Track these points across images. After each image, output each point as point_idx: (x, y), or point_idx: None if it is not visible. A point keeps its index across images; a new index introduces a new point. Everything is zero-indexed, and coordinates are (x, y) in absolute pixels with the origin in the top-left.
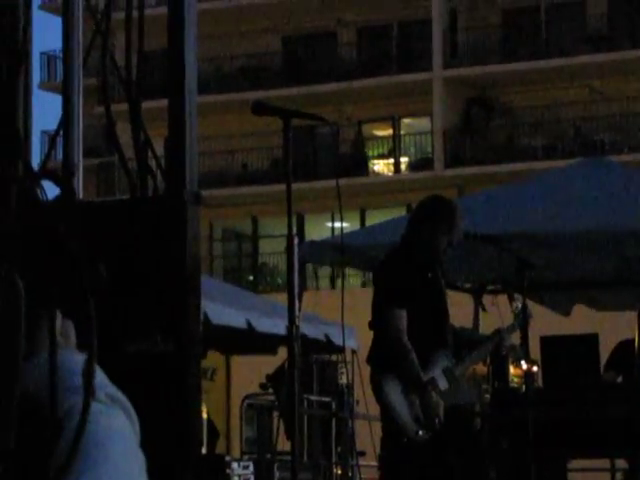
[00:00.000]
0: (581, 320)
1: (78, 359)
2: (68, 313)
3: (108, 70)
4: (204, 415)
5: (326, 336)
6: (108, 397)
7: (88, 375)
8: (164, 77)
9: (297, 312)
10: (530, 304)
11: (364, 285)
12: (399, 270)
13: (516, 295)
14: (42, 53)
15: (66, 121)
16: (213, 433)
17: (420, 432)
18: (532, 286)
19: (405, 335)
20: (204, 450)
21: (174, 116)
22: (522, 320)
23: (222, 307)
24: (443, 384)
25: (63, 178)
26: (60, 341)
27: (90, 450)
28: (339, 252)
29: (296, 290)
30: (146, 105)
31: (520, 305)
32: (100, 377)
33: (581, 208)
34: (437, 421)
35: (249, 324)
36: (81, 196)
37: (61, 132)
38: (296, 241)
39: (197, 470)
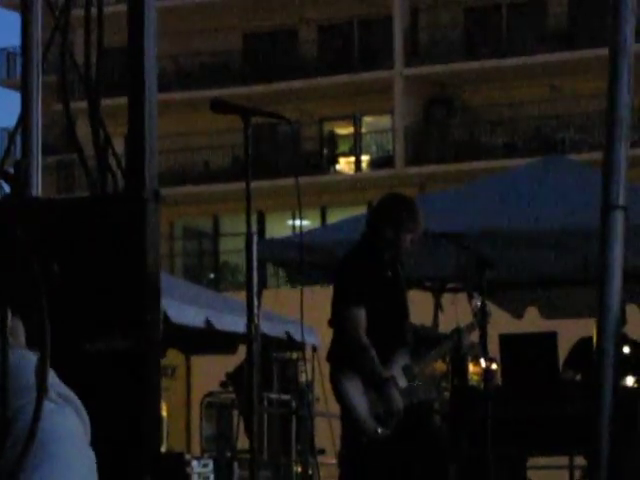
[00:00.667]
0: (539, 318)
1: (29, 358)
2: (18, 312)
3: (67, 67)
4: (164, 413)
5: (287, 333)
6: (60, 396)
7: (42, 373)
8: (124, 74)
9: (256, 310)
10: (489, 303)
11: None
12: (358, 268)
13: (475, 294)
14: (2, 49)
15: (25, 118)
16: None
17: (379, 430)
18: (491, 285)
19: (364, 333)
20: (163, 448)
21: (134, 114)
22: (481, 318)
23: (182, 305)
24: (402, 382)
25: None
26: (10, 340)
27: (42, 448)
28: (299, 250)
29: (255, 288)
30: (106, 103)
31: (479, 304)
32: (51, 376)
33: (541, 207)
34: (397, 417)
35: (208, 322)
36: (40, 194)
37: (20, 129)
38: (256, 239)
39: (156, 468)
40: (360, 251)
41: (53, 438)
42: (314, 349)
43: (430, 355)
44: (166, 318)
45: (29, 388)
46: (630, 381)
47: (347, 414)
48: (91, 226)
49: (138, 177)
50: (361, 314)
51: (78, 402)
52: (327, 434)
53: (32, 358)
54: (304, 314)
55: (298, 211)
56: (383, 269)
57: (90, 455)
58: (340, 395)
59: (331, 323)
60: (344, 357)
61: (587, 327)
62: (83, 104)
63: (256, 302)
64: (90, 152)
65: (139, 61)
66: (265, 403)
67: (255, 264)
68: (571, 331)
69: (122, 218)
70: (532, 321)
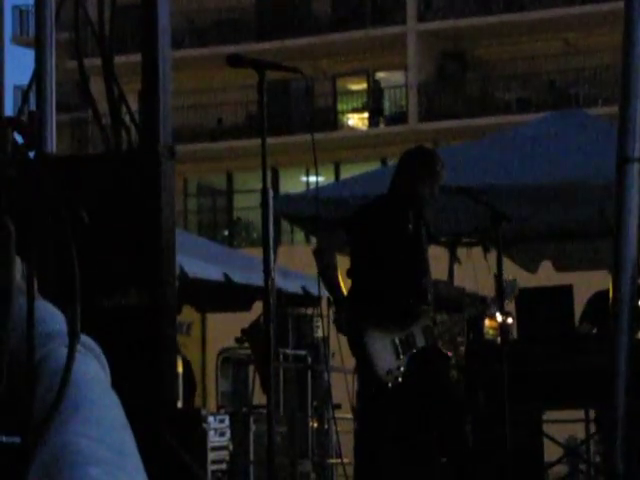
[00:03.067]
0: (554, 272)
1: (44, 305)
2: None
3: (81, 24)
4: (180, 369)
5: (303, 288)
6: (81, 344)
7: (73, 318)
8: (138, 31)
9: (272, 265)
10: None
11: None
12: (375, 215)
13: (491, 248)
14: (14, 7)
15: (39, 75)
16: (191, 385)
17: (389, 384)
18: (505, 239)
19: (334, 255)
20: (180, 404)
21: (148, 71)
22: (499, 274)
23: (198, 261)
24: (421, 341)
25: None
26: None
27: (73, 394)
28: (314, 205)
29: (271, 243)
30: (120, 60)
31: (510, 285)
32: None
33: (555, 160)
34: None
35: (226, 277)
36: (54, 150)
37: (33, 87)
38: (271, 195)
39: (173, 423)
40: (381, 202)
41: (84, 382)
42: (329, 303)
43: (452, 320)
44: (183, 274)
45: (51, 335)
46: None
47: (362, 365)
48: (106, 183)
49: (152, 133)
50: (344, 245)
51: (98, 349)
52: (343, 389)
53: (47, 305)
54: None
55: (314, 167)
56: (404, 222)
57: (117, 400)
58: (357, 345)
59: (349, 273)
60: (363, 307)
61: (603, 280)
62: (97, 61)
63: (272, 257)
64: (104, 109)
65: (153, 18)
66: (281, 358)
67: (271, 220)
68: (586, 284)
69: (137, 175)
70: (547, 275)
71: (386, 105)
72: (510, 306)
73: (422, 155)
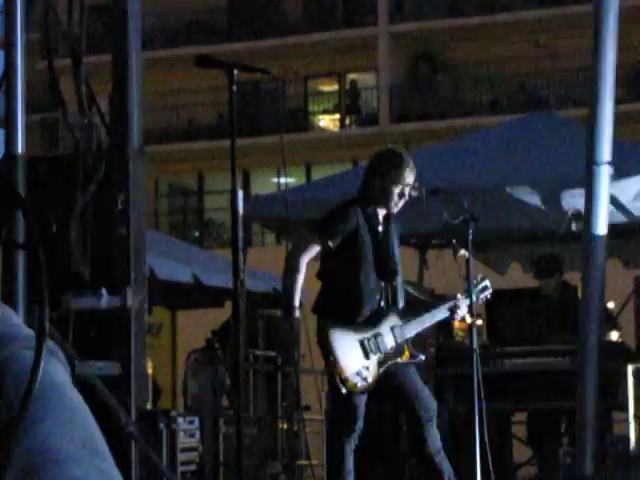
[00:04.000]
0: (523, 274)
1: (2, 307)
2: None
3: (51, 25)
4: (149, 371)
5: (273, 289)
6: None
7: (41, 321)
8: (108, 32)
9: (242, 266)
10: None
11: None
12: (342, 216)
13: (462, 250)
14: None
15: (8, 75)
16: (155, 390)
17: (358, 385)
18: (474, 241)
19: (304, 259)
20: (149, 406)
21: (118, 71)
22: (467, 272)
23: (168, 262)
24: (390, 341)
25: None
26: None
27: (44, 395)
28: (284, 207)
29: (240, 244)
30: (90, 60)
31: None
32: (25, 327)
33: (525, 162)
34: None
35: (195, 278)
36: (24, 151)
37: (3, 87)
38: (241, 196)
39: (142, 425)
40: (351, 202)
41: (53, 384)
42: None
43: (422, 320)
44: (152, 274)
45: (12, 337)
46: (614, 336)
47: (330, 366)
48: (74, 184)
49: (122, 134)
50: (314, 244)
51: (60, 353)
52: (313, 390)
53: (6, 308)
54: None
55: (283, 168)
56: (373, 223)
57: (83, 402)
58: (325, 347)
59: (319, 275)
60: (330, 308)
61: (572, 282)
62: (67, 62)
63: (241, 258)
64: (74, 110)
65: (123, 18)
66: (251, 359)
67: (240, 221)
68: None
69: (106, 175)
70: (516, 277)
71: (347, 106)
72: (480, 308)
73: (392, 156)
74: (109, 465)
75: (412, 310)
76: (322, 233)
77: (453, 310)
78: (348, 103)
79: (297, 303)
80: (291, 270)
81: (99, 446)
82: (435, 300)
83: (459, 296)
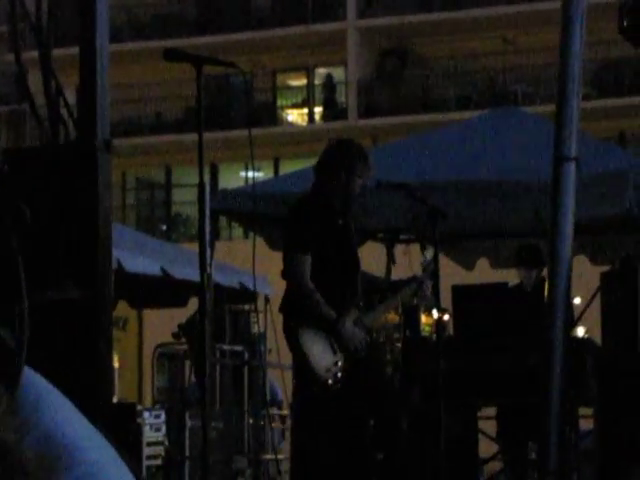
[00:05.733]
0: (490, 269)
1: None
2: None
3: (18, 16)
4: (115, 364)
5: (240, 284)
6: None
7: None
8: (76, 24)
9: (209, 260)
10: (440, 254)
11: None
12: (307, 216)
13: (428, 245)
14: None
15: None
16: None
17: (330, 381)
18: (442, 236)
19: (307, 279)
20: (115, 399)
21: (85, 64)
22: (434, 268)
23: (136, 255)
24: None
25: None
26: None
27: (52, 390)
28: (252, 201)
29: (207, 238)
30: (58, 53)
31: (428, 257)
32: None
33: (492, 158)
34: (359, 349)
35: (164, 271)
36: None
37: None
38: (208, 190)
39: (108, 419)
40: (310, 199)
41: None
42: (267, 300)
43: (385, 304)
44: (120, 267)
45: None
46: (581, 332)
47: (300, 364)
48: (42, 176)
49: (89, 127)
50: (305, 260)
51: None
52: (279, 385)
53: None
54: (257, 265)
55: (251, 162)
56: (334, 217)
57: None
58: (294, 345)
59: (284, 274)
60: (297, 307)
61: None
62: (34, 54)
63: (209, 252)
64: (42, 102)
65: (91, 11)
66: (217, 354)
67: (208, 215)
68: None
69: (73, 168)
70: (483, 272)
71: (322, 100)
72: (447, 303)
73: (359, 150)
74: (115, 453)
75: (375, 298)
76: (304, 247)
77: (416, 288)
78: (324, 96)
79: (334, 314)
80: (307, 296)
81: (103, 437)
82: (396, 282)
83: (419, 275)
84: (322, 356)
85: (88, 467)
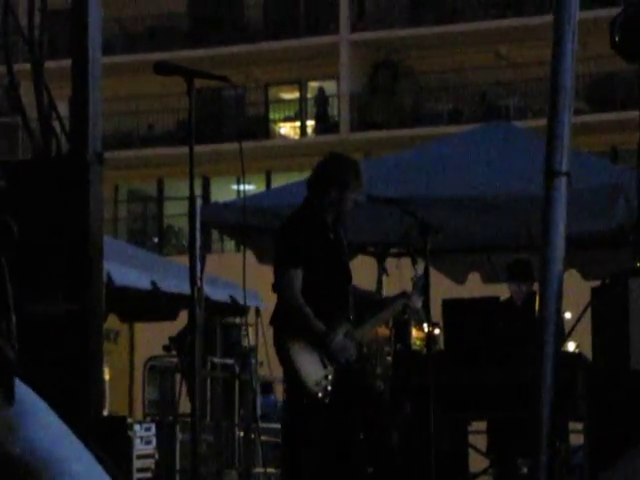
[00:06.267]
0: (481, 284)
1: None
2: None
3: (10, 29)
4: (106, 377)
5: (231, 297)
6: None
7: (9, 334)
8: (69, 37)
9: (199, 273)
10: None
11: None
12: (298, 230)
13: (419, 259)
14: None
15: None
16: None
17: (320, 394)
18: (433, 250)
19: (297, 292)
20: (106, 412)
21: (78, 77)
22: (425, 283)
23: (126, 268)
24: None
25: None
26: None
27: (44, 407)
28: (242, 214)
29: (198, 251)
30: (50, 65)
31: (420, 272)
32: None
33: (484, 172)
34: (350, 361)
35: (154, 285)
36: None
37: None
38: (200, 203)
39: (99, 431)
40: (302, 213)
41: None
42: (257, 313)
43: (375, 318)
44: (110, 281)
45: None
46: (571, 346)
47: (290, 378)
48: (34, 189)
49: (81, 140)
50: (296, 275)
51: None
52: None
53: None
54: (248, 278)
55: (242, 176)
56: (326, 231)
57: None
58: (284, 358)
59: (274, 287)
60: (288, 320)
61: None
62: (27, 66)
63: (199, 266)
64: (34, 115)
65: (83, 23)
66: (208, 367)
67: (198, 228)
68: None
69: (65, 180)
70: (474, 286)
71: (315, 113)
72: (438, 317)
73: (354, 166)
74: (100, 468)
75: (366, 311)
76: (295, 262)
77: (406, 302)
78: (316, 110)
79: (324, 328)
80: (297, 310)
81: (88, 452)
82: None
83: (408, 290)
84: (312, 369)
85: (72, 478)
